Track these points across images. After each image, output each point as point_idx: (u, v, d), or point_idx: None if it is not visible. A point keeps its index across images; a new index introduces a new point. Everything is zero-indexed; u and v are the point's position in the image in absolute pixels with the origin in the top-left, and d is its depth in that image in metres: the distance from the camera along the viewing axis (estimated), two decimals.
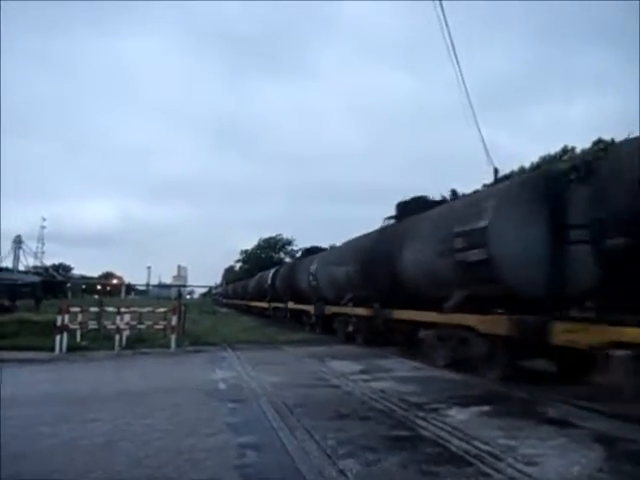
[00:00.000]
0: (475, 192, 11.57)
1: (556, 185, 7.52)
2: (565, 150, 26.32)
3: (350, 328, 13.84)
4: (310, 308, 17.46)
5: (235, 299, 43.05)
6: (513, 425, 5.21)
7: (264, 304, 26.15)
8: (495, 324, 7.48)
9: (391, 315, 11.17)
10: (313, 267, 17.34)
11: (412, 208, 11.45)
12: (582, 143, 25.84)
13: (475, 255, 7.77)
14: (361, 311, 12.83)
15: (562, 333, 6.32)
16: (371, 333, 12.56)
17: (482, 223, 7.72)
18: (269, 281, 24.91)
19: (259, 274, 31.46)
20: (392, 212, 12.82)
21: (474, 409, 5.95)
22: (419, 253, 9.78)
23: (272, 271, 25.69)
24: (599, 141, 24.56)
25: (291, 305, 20.27)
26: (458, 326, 8.40)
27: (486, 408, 6.00)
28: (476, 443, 4.56)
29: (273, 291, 24.04)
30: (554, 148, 27.09)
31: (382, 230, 13.04)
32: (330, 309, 15.40)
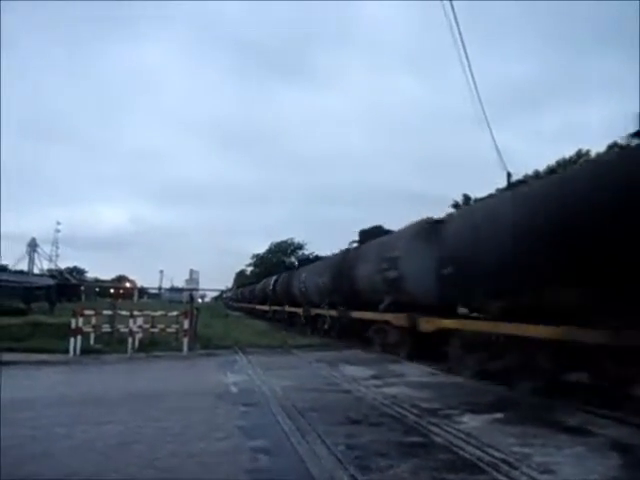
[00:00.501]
0: (401, 229, 13.73)
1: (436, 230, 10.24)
2: (580, 154, 26.10)
3: (326, 326, 17.22)
4: (300, 310, 20.84)
5: (244, 302, 44.26)
6: (527, 432, 5.14)
7: (265, 307, 29.70)
8: (400, 319, 11.07)
9: (350, 315, 14.72)
10: (303, 276, 20.79)
11: (369, 235, 15.20)
12: (597, 147, 25.58)
13: (393, 273, 11.50)
14: (333, 312, 16.36)
15: (422, 324, 10.20)
16: (341, 329, 15.82)
17: (396, 253, 11.60)
18: (271, 287, 27.80)
19: (263, 280, 34.13)
20: (397, 216, 15.07)
21: (487, 416, 5.88)
22: (366, 270, 13.52)
23: (273, 278, 28.43)
24: (614, 145, 24.31)
25: (287, 308, 23.64)
26: (384, 321, 12.11)
27: (499, 415, 5.93)
28: (490, 450, 4.51)
29: (274, 296, 26.78)
30: (569, 152, 26.88)
31: (346, 251, 16.82)
32: (314, 311, 18.80)
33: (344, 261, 15.87)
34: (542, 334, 6.68)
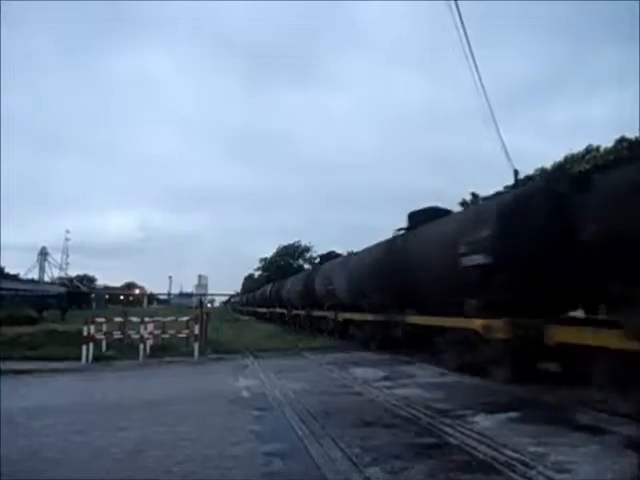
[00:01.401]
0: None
1: None
2: (589, 149, 25.93)
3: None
4: (284, 310, 26.05)
5: (250, 306, 47.00)
6: (542, 431, 5.12)
7: (264, 309, 35.51)
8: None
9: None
10: (288, 284, 26.26)
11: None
12: (605, 142, 25.39)
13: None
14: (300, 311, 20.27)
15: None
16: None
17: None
18: (267, 293, 34.10)
19: (262, 288, 40.18)
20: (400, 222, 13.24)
21: (501, 415, 5.86)
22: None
23: (270, 286, 34.38)
24: (622, 139, 24.12)
25: (277, 310, 29.05)
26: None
27: (513, 414, 5.90)
28: (505, 450, 4.50)
29: (270, 300, 32.27)
30: (577, 147, 26.70)
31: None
32: (294, 311, 23.38)
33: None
34: None
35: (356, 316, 15.03)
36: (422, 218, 11.69)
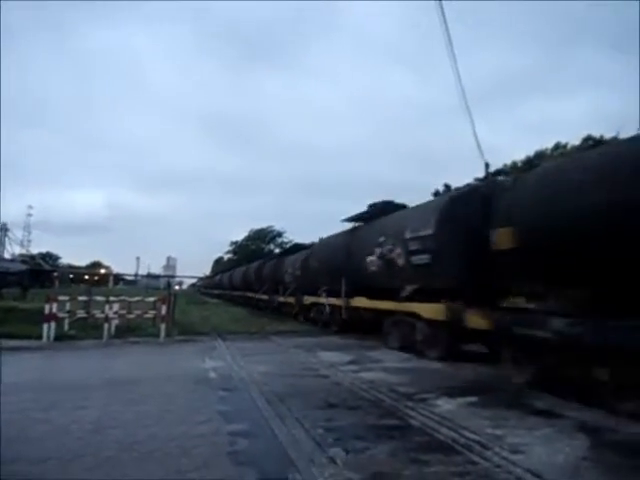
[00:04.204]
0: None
1: None
2: (558, 145, 26.68)
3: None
4: (253, 294, 26.65)
5: (219, 289, 46.62)
6: (499, 415, 5.31)
7: (233, 293, 36.25)
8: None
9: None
10: (257, 268, 26.80)
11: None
12: (575, 140, 26.13)
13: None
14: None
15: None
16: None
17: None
18: (237, 276, 34.80)
19: (231, 271, 40.57)
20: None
21: (461, 399, 6.04)
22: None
23: (239, 269, 35.12)
24: (589, 138, 24.87)
25: (247, 293, 29.26)
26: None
27: (473, 399, 6.09)
28: (464, 432, 4.65)
29: (239, 283, 32.90)
30: (548, 144, 27.44)
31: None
32: (263, 296, 23.78)
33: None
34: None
35: (314, 299, 16.27)
36: (378, 210, 12.88)
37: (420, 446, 4.30)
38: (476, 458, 4.00)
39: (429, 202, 11.19)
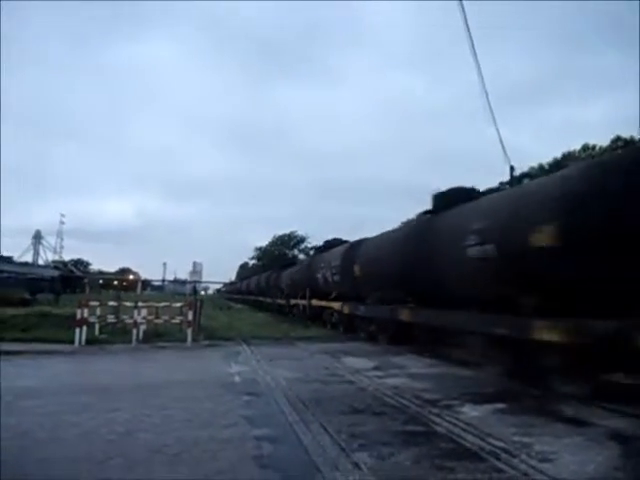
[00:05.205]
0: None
1: None
2: (585, 147, 26.12)
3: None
4: (277, 299, 27.35)
5: (244, 295, 47.17)
6: (527, 422, 5.21)
7: (258, 298, 36.87)
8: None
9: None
10: (283, 273, 27.11)
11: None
12: (602, 141, 25.53)
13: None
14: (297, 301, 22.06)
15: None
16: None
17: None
18: (262, 282, 35.56)
19: (257, 276, 40.98)
20: (403, 211, 13.52)
21: (488, 406, 5.95)
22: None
23: (264, 275, 35.80)
24: (618, 139, 24.24)
25: (271, 299, 29.83)
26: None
27: (500, 405, 6.00)
28: (490, 439, 4.58)
29: (264, 288, 33.69)
30: (574, 146, 26.89)
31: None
32: (292, 300, 23.61)
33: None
34: None
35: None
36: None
37: (445, 453, 4.26)
38: (502, 466, 3.94)
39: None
